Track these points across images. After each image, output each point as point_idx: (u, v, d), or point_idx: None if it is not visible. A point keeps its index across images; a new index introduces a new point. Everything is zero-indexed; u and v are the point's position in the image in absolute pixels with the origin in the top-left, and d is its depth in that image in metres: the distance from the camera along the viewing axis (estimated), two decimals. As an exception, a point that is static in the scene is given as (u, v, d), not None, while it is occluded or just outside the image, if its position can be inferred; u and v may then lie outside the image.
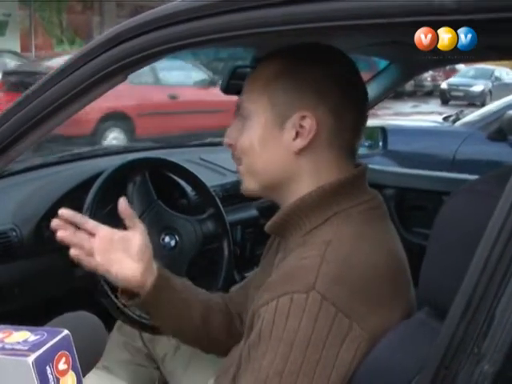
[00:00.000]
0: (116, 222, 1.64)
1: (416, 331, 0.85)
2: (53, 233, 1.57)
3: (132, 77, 0.99)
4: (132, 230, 1.09)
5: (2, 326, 0.58)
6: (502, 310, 0.59)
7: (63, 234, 1.07)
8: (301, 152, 0.96)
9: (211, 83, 8.94)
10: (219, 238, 1.65)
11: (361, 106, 1.02)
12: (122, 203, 1.09)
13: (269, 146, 0.98)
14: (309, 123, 0.95)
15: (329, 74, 0.97)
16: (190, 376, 1.40)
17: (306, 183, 0.98)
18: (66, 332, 0.57)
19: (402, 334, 0.87)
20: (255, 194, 1.05)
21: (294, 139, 0.96)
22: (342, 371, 0.85)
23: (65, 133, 5.42)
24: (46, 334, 0.56)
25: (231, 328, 1.22)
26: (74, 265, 1.50)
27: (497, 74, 16.64)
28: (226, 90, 1.52)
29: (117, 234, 1.09)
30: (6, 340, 0.56)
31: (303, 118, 0.95)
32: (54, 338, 0.55)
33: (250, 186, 1.03)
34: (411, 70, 1.94)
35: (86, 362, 0.59)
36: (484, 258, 0.61)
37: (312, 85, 0.96)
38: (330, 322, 0.84)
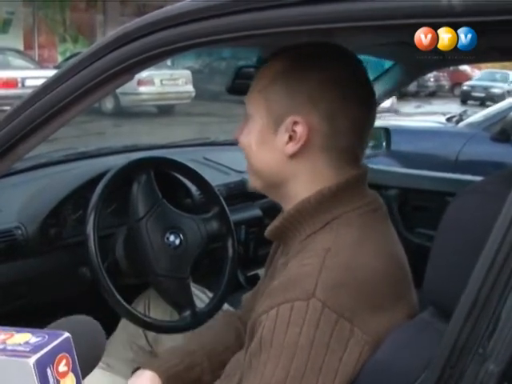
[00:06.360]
0: (120, 220, 1.65)
1: (420, 332, 0.85)
2: (58, 231, 1.58)
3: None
4: None
5: (4, 328, 0.59)
6: (508, 311, 0.60)
7: None
8: (294, 156, 0.96)
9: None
10: (223, 238, 1.65)
11: (363, 107, 0.99)
12: None
13: (264, 148, 0.99)
14: (300, 129, 0.95)
15: (325, 77, 0.95)
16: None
17: (303, 186, 0.97)
18: (66, 335, 0.57)
19: (406, 334, 0.87)
20: (259, 191, 1.06)
21: (287, 143, 0.96)
22: (345, 375, 0.85)
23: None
24: (47, 337, 0.56)
25: None
26: (79, 263, 1.52)
27: None
28: (231, 90, 1.52)
29: None
30: (8, 341, 0.56)
31: (296, 123, 0.95)
32: (54, 340, 0.56)
33: (253, 183, 1.05)
34: (416, 70, 1.94)
35: (84, 366, 0.59)
36: (490, 259, 0.61)
37: (305, 90, 0.95)
38: (331, 327, 0.84)
